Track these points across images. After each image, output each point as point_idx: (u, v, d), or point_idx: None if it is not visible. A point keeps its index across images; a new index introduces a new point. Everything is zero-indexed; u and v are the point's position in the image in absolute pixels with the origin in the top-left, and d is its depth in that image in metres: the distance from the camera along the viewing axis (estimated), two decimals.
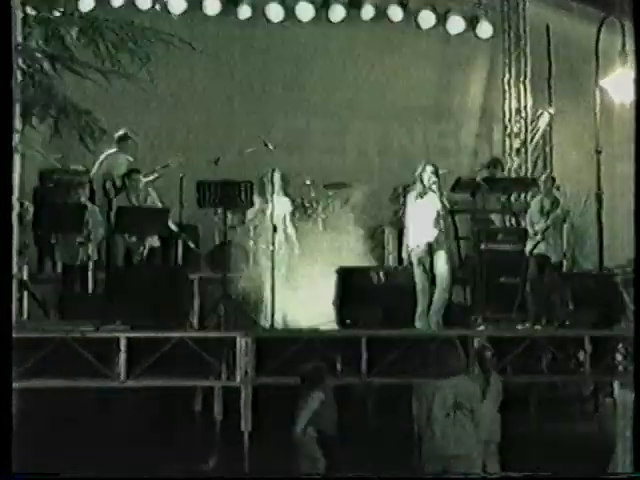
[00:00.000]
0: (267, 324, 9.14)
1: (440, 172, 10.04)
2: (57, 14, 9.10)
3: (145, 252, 10.34)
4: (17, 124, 8.66)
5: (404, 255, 10.29)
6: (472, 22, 13.77)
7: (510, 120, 13.98)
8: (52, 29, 8.95)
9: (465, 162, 13.38)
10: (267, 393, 8.42)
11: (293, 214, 10.36)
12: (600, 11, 11.81)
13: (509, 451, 7.75)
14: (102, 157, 11.24)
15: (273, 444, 7.99)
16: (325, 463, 7.25)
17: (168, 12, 12.68)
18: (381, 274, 9.52)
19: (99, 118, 9.19)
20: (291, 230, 10.10)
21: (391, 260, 11.43)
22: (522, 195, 12.42)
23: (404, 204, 10.41)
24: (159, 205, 10.82)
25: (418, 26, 13.53)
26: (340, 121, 13.15)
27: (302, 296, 9.67)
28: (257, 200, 9.99)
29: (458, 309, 10.47)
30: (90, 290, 10.18)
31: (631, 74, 9.95)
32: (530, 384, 9.28)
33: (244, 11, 13.15)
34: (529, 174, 13.72)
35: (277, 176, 10.09)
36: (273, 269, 9.20)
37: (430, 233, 9.93)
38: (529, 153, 13.99)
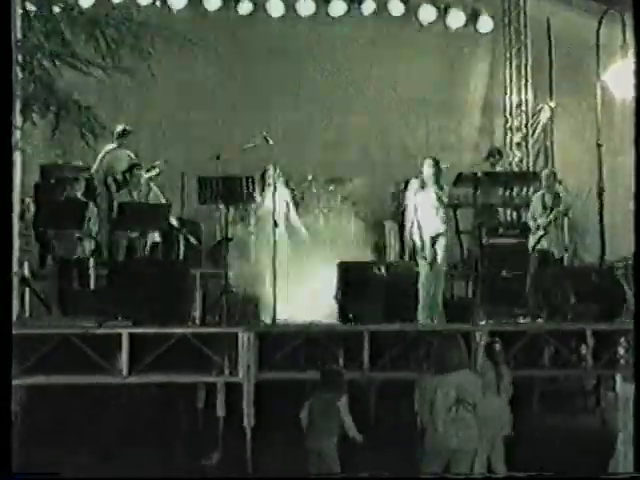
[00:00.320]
0: (269, 319, 9.13)
1: (440, 166, 10.06)
2: (57, 10, 9.09)
3: (147, 248, 10.35)
4: (18, 120, 8.66)
5: (405, 249, 10.31)
6: (473, 16, 13.76)
7: (511, 114, 13.97)
8: (52, 25, 8.94)
9: (466, 156, 13.36)
10: (269, 388, 8.42)
11: (296, 208, 10.37)
12: (601, 4, 11.78)
13: (511, 445, 7.76)
14: (102, 153, 11.23)
15: (275, 440, 8.01)
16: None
17: (168, 8, 12.68)
18: (383, 268, 9.50)
19: (99, 114, 9.19)
20: (295, 220, 10.12)
21: (392, 254, 11.42)
22: (524, 189, 12.41)
23: (405, 198, 10.41)
24: (162, 200, 10.81)
25: (419, 21, 13.52)
26: (341, 116, 13.14)
27: (304, 291, 9.66)
28: (258, 195, 9.99)
29: (460, 303, 10.49)
30: (92, 286, 10.19)
31: (632, 67, 9.93)
32: (532, 378, 9.28)
33: (245, 6, 13.14)
34: (530, 168, 13.72)
35: (277, 171, 10.09)
36: (274, 264, 9.18)
37: (430, 226, 9.96)
38: (530, 147, 13.98)
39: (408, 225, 10.19)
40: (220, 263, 9.66)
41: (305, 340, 8.52)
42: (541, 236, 10.55)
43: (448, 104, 13.68)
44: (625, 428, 6.82)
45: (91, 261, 10.16)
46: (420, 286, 9.72)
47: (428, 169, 10.05)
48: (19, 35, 8.77)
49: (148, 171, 11.06)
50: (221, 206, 9.93)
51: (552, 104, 13.71)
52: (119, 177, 11.22)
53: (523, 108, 13.95)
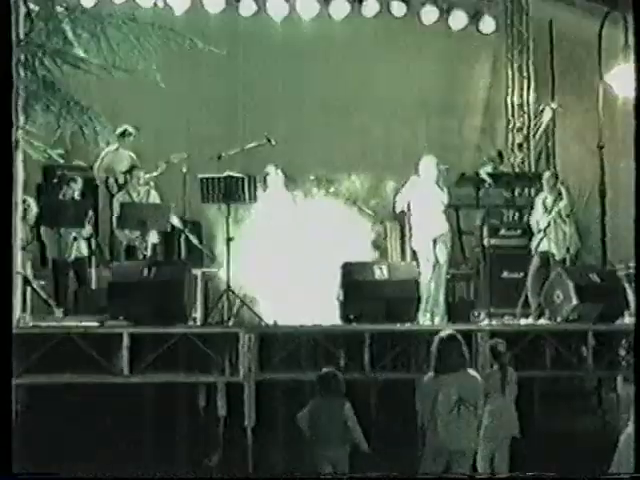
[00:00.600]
0: (270, 320, 9.13)
1: (441, 167, 10.07)
2: (59, 9, 9.09)
3: (148, 247, 10.35)
4: (20, 119, 8.67)
5: (407, 249, 10.32)
6: (475, 17, 13.75)
7: (513, 115, 13.97)
8: (54, 25, 8.94)
9: (468, 157, 13.37)
10: (270, 389, 8.42)
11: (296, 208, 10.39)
12: (603, 6, 11.78)
13: (512, 446, 7.76)
14: (103, 153, 11.24)
15: (276, 440, 8.01)
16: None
17: (170, 9, 12.68)
18: (384, 269, 9.50)
19: (101, 114, 9.19)
20: (296, 220, 10.13)
21: (394, 255, 11.42)
22: (525, 190, 12.41)
23: (405, 199, 10.40)
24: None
25: (421, 21, 13.52)
26: (343, 116, 13.14)
27: (305, 291, 9.66)
28: (260, 195, 10.00)
29: (462, 304, 10.50)
30: (93, 286, 10.21)
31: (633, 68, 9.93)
32: (533, 378, 9.27)
33: (247, 7, 13.14)
34: (532, 169, 13.72)
35: (279, 171, 10.09)
36: (275, 264, 9.19)
37: (432, 227, 9.97)
38: (532, 148, 13.97)
39: (409, 225, 10.19)
40: (221, 263, 9.66)
41: (306, 341, 8.52)
42: (541, 238, 10.56)
43: (450, 105, 13.68)
44: (626, 429, 6.81)
45: (92, 261, 10.17)
46: (421, 287, 9.72)
47: (428, 169, 10.06)
48: (22, 34, 8.78)
49: (149, 172, 11.07)
50: (222, 206, 9.93)
51: (554, 105, 13.70)
52: (120, 178, 11.23)
53: (525, 109, 13.95)
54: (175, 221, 10.61)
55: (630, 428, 6.49)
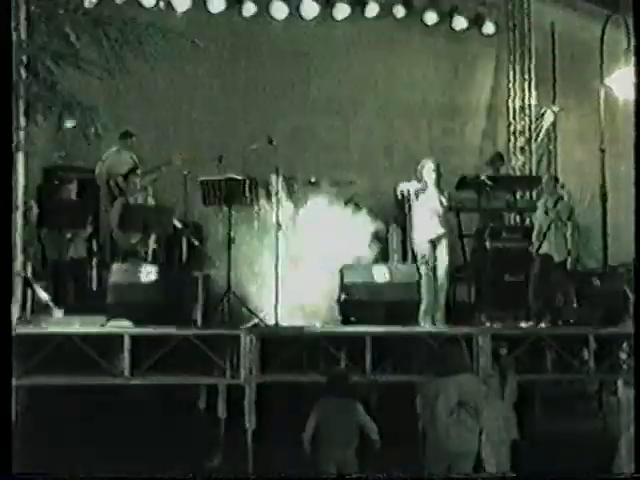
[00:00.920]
0: (271, 322, 9.12)
1: (441, 169, 10.08)
2: (61, 11, 9.09)
3: (149, 250, 10.35)
4: (21, 121, 8.66)
5: (408, 252, 10.32)
6: (477, 20, 13.75)
7: (515, 118, 13.97)
8: (56, 26, 8.94)
9: (470, 160, 13.36)
10: (271, 391, 8.42)
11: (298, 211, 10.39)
12: (605, 9, 11.78)
13: (514, 449, 7.77)
14: (105, 155, 11.23)
15: (276, 442, 8.00)
16: None
17: (172, 9, 12.68)
18: (385, 272, 9.50)
19: (102, 115, 9.19)
20: (298, 222, 10.14)
21: (395, 257, 11.42)
22: (527, 193, 12.42)
23: (408, 201, 10.40)
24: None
25: (423, 23, 13.52)
26: (344, 119, 13.13)
27: (306, 293, 9.66)
28: (261, 198, 10.00)
29: (463, 307, 10.49)
30: (94, 287, 10.20)
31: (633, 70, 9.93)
32: (534, 382, 9.27)
33: (248, 9, 13.14)
34: (533, 172, 13.72)
35: (281, 174, 10.09)
36: (277, 266, 9.18)
37: (432, 230, 9.96)
38: (533, 151, 13.97)
39: (410, 228, 10.19)
40: (222, 265, 9.65)
41: (307, 343, 8.51)
42: (541, 241, 10.55)
43: (451, 107, 13.68)
44: (627, 433, 6.81)
45: (93, 262, 10.17)
46: (422, 289, 9.72)
47: (428, 172, 10.07)
48: (23, 36, 8.78)
49: (146, 174, 11.07)
50: (224, 209, 9.93)
51: (556, 108, 13.70)
52: (120, 180, 11.22)
53: (526, 112, 13.95)
54: (176, 223, 10.60)
55: (631, 431, 6.49)
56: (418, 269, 9.91)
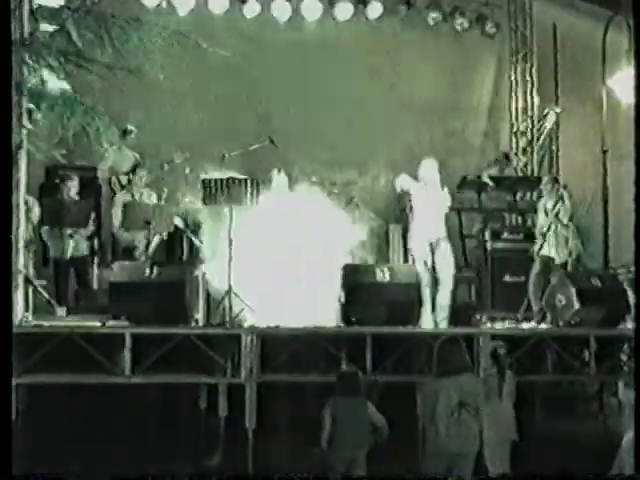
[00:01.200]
0: (272, 321, 9.13)
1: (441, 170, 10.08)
2: (63, 9, 9.09)
3: (150, 248, 10.36)
4: (23, 120, 8.67)
5: (409, 252, 10.32)
6: (479, 20, 13.76)
7: (517, 119, 13.98)
8: (58, 24, 8.94)
9: (472, 160, 13.36)
10: (271, 390, 8.42)
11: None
12: (607, 10, 11.78)
13: (514, 450, 7.76)
14: (107, 153, 11.24)
15: (277, 441, 8.00)
16: None
17: (174, 9, 12.69)
18: (386, 271, 9.51)
19: (105, 114, 9.19)
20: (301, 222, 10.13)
21: (396, 257, 11.42)
22: (528, 194, 12.43)
23: (409, 201, 10.41)
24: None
25: (425, 23, 13.53)
26: (346, 118, 13.13)
27: (307, 293, 9.66)
28: (262, 196, 9.99)
29: (463, 307, 10.50)
30: (95, 286, 10.21)
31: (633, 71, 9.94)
32: (534, 383, 9.27)
33: (251, 9, 13.14)
34: (535, 173, 13.72)
35: (282, 173, 10.10)
36: (278, 266, 9.19)
37: (433, 230, 9.96)
38: (535, 152, 13.98)
39: (411, 228, 10.20)
40: (224, 264, 9.65)
41: (307, 343, 8.51)
42: (542, 242, 10.56)
43: (453, 108, 13.68)
44: (628, 434, 6.81)
45: (94, 260, 10.18)
46: (423, 289, 9.71)
47: (429, 172, 10.06)
48: (26, 34, 8.78)
49: (150, 172, 11.08)
50: (225, 208, 9.93)
51: (558, 109, 13.70)
52: (122, 178, 11.23)
53: (529, 113, 13.95)
54: (177, 222, 10.61)
55: (631, 433, 6.49)
56: (418, 268, 9.91)
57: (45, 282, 9.95)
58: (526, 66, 13.98)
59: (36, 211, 10.02)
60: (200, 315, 9.65)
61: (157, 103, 12.34)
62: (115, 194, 11.10)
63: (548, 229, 10.51)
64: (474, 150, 13.73)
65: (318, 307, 9.57)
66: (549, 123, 13.85)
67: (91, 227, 10.34)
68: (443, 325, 9.70)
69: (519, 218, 12.47)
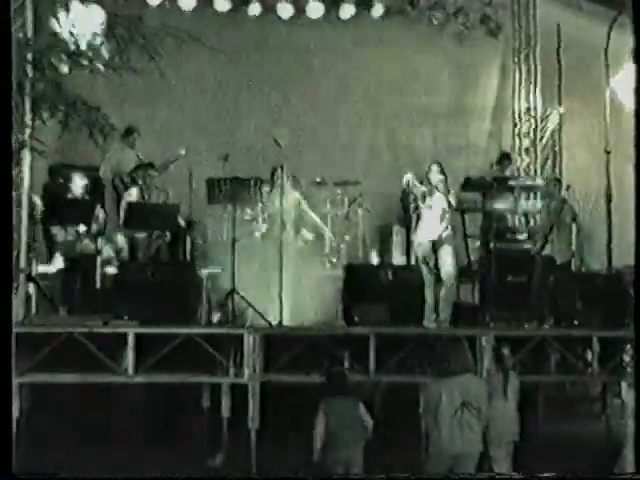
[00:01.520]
0: (275, 321, 9.14)
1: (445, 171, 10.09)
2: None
3: (154, 248, 10.36)
4: (27, 119, 8.68)
5: (412, 253, 10.32)
6: (483, 21, 13.73)
7: (520, 119, 13.95)
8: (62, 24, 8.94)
9: (475, 161, 13.34)
10: (275, 390, 8.42)
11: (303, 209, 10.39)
12: (611, 10, 11.76)
13: (516, 450, 7.76)
14: (110, 153, 11.23)
15: (280, 441, 8.00)
16: None
17: (178, 8, 12.68)
18: (389, 272, 9.51)
19: (108, 114, 9.20)
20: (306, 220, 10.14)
21: (399, 257, 11.42)
22: (531, 194, 12.39)
23: (412, 202, 10.41)
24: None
25: (429, 24, 13.51)
26: (349, 119, 13.12)
27: (310, 293, 9.67)
28: (266, 196, 10.00)
29: (466, 308, 10.49)
30: (98, 285, 10.20)
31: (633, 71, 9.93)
32: (537, 383, 9.27)
33: (254, 8, 13.14)
34: (538, 174, 13.69)
35: (286, 173, 10.10)
36: (281, 265, 9.19)
37: (437, 231, 9.97)
38: (538, 152, 13.95)
39: (414, 229, 10.20)
40: (227, 264, 9.66)
41: (311, 342, 8.51)
42: (544, 243, 10.55)
43: (457, 108, 13.66)
44: (631, 435, 6.81)
45: (98, 260, 10.17)
46: (426, 290, 9.72)
47: (434, 174, 10.07)
48: (30, 34, 8.79)
49: (157, 171, 11.08)
50: (229, 207, 9.94)
51: (561, 110, 13.68)
52: (126, 177, 11.22)
53: (532, 113, 13.93)
54: (181, 222, 10.61)
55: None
56: (421, 269, 9.92)
57: (49, 281, 9.96)
58: (530, 66, 13.95)
59: (39, 210, 10.02)
60: (203, 315, 9.66)
61: (160, 103, 12.33)
62: (118, 194, 11.10)
63: (551, 230, 10.50)
64: (478, 150, 13.70)
65: (322, 307, 9.58)
66: (552, 123, 13.82)
67: (95, 227, 10.34)
68: (446, 325, 9.70)
69: (522, 218, 12.43)
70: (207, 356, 8.30)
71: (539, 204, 11.13)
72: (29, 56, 8.69)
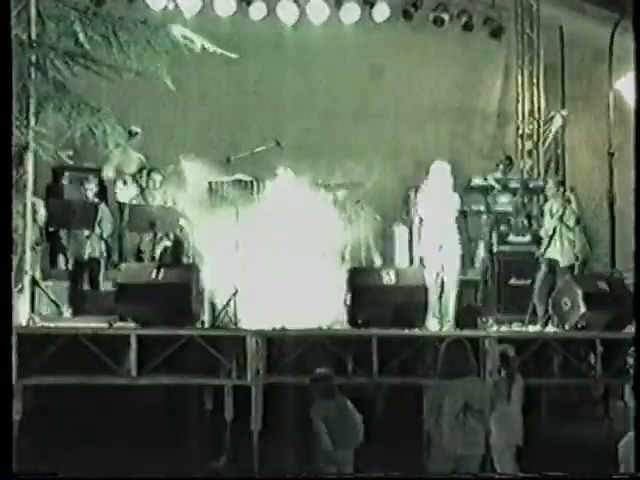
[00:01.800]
0: (277, 323, 9.13)
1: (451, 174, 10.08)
2: (71, 11, 9.12)
3: (157, 249, 10.37)
4: (30, 121, 8.69)
5: (415, 254, 10.31)
6: (486, 23, 13.74)
7: (523, 122, 13.96)
8: (66, 26, 8.97)
9: (478, 163, 13.34)
10: (277, 392, 8.42)
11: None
12: (614, 13, 11.76)
13: (520, 453, 7.75)
14: (112, 155, 11.25)
15: (282, 443, 8.00)
16: None
17: (181, 12, 12.70)
18: (392, 274, 9.50)
19: (111, 115, 9.21)
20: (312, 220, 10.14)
21: (402, 259, 11.41)
22: (534, 197, 12.40)
23: (415, 204, 10.41)
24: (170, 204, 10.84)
25: (432, 26, 13.52)
26: (352, 120, 13.14)
27: (313, 295, 9.66)
28: (267, 198, 10.00)
29: (469, 310, 10.49)
30: (102, 287, 10.22)
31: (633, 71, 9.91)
32: (540, 386, 9.25)
33: (257, 11, 13.15)
34: (541, 176, 13.70)
35: (288, 170, 10.11)
36: (283, 267, 9.19)
37: (440, 233, 9.96)
38: (541, 155, 13.95)
39: (418, 230, 10.19)
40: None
41: (313, 345, 8.51)
42: (548, 245, 10.54)
43: (460, 110, 13.67)
44: (631, 436, 6.79)
45: (101, 262, 10.20)
46: (429, 292, 9.71)
47: (440, 175, 10.06)
48: (34, 36, 8.81)
49: (159, 172, 11.09)
50: (231, 209, 9.93)
51: (564, 112, 13.69)
52: (128, 179, 11.24)
53: (535, 116, 13.93)
54: (183, 223, 10.61)
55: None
56: (425, 271, 9.91)
57: (52, 283, 9.97)
58: (533, 69, 13.96)
59: (42, 212, 10.03)
60: (206, 317, 9.65)
61: (163, 105, 12.34)
62: (121, 196, 11.12)
63: (554, 232, 10.50)
64: (482, 153, 13.71)
65: (323, 309, 9.57)
66: (555, 126, 13.83)
67: (98, 229, 10.35)
68: (449, 328, 9.69)
69: (525, 221, 12.43)
70: (210, 358, 8.30)
71: (542, 206, 11.15)
72: (33, 58, 8.70)
